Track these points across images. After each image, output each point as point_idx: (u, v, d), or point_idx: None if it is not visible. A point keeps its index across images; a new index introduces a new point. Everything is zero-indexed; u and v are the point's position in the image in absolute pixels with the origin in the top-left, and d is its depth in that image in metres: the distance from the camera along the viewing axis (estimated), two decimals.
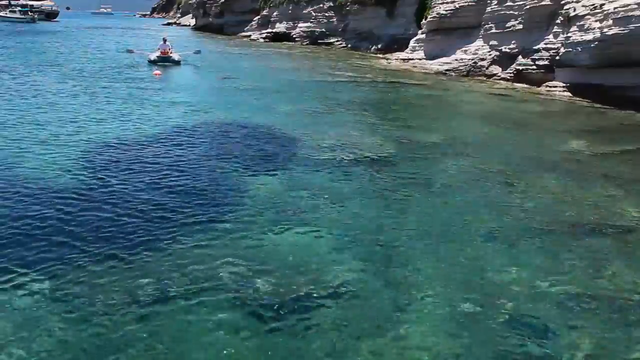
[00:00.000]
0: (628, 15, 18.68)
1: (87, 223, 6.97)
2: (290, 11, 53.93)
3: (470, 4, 29.28)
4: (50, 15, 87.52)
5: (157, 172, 9.26)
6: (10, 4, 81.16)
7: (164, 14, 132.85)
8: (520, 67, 24.82)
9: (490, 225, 7.61)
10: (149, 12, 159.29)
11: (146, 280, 5.62)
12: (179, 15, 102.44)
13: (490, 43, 27.59)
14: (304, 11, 51.98)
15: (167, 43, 29.03)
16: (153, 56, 28.41)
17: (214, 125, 13.46)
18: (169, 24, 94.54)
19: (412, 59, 32.74)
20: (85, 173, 9.03)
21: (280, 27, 54.95)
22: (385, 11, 41.98)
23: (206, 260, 6.14)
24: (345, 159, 10.69)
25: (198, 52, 31.80)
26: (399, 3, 40.34)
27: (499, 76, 26.49)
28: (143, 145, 11.02)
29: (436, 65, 30.00)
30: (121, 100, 16.16)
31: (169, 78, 22.44)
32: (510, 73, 25.63)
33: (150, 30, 65.56)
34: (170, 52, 28.45)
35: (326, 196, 8.44)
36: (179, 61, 28.21)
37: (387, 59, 35.75)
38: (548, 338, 5.05)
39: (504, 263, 6.46)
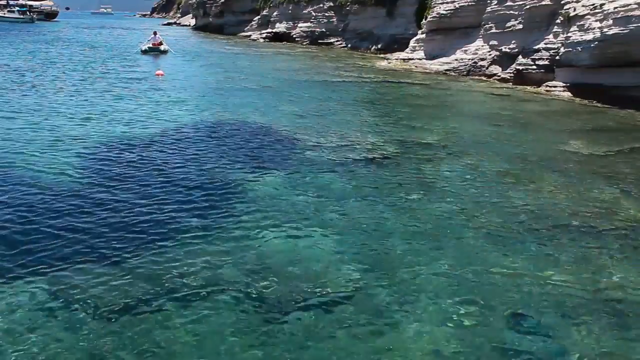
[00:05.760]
0: (628, 15, 18.69)
1: (86, 223, 6.96)
2: (290, 11, 53.96)
3: (470, 4, 29.29)
4: (49, 16, 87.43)
5: (157, 171, 9.27)
6: (8, 4, 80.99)
7: (164, 14, 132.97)
8: (520, 67, 24.82)
9: (490, 225, 7.61)
10: (149, 12, 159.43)
11: (146, 281, 5.62)
12: (179, 15, 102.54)
13: (490, 43, 27.59)
14: (304, 11, 52.01)
15: (157, 36, 33.36)
16: (144, 47, 32.51)
17: (214, 125, 13.46)
18: (169, 24, 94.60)
19: (412, 59, 32.74)
20: (84, 172, 9.03)
21: (280, 27, 54.98)
22: (385, 11, 42.02)
23: (206, 260, 6.13)
24: (345, 159, 10.69)
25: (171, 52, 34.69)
26: (399, 3, 40.38)
27: (499, 76, 26.49)
28: (143, 145, 11.02)
29: (436, 65, 30.01)
30: (122, 100, 16.17)
31: (170, 78, 22.45)
32: (510, 73, 25.63)
33: (150, 30, 65.42)
34: (160, 43, 32.59)
35: (326, 196, 8.45)
36: (166, 51, 32.37)
37: (387, 59, 35.74)
38: (548, 338, 5.05)
39: (503, 263, 6.47)
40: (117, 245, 6.39)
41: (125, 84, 19.68)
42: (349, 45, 46.27)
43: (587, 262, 6.61)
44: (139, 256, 6.16)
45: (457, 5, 29.96)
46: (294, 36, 52.59)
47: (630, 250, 7.05)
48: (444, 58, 30.04)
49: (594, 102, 20.15)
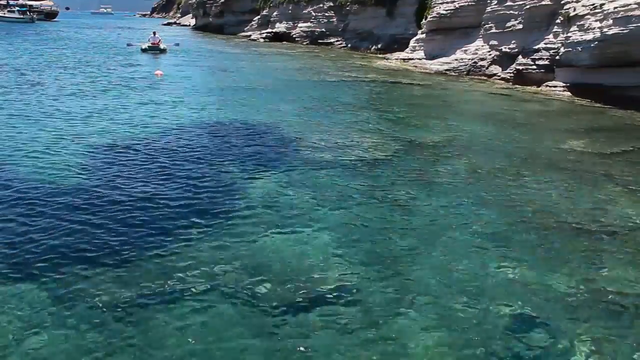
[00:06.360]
0: (628, 15, 18.68)
1: (86, 223, 6.96)
2: (290, 11, 53.94)
3: (470, 3, 29.30)
4: (49, 15, 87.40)
5: (157, 172, 9.27)
6: (8, 4, 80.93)
7: (164, 14, 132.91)
8: (520, 67, 24.82)
9: (490, 224, 7.61)
10: (149, 12, 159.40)
11: (146, 281, 5.62)
12: (179, 15, 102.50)
13: (490, 43, 27.59)
14: (304, 11, 51.99)
15: (156, 35, 35.37)
16: (144, 46, 34.65)
17: (214, 125, 13.46)
18: (169, 23, 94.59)
19: (412, 59, 32.75)
20: (84, 173, 9.02)
21: (280, 27, 54.95)
22: (385, 11, 42.00)
23: (205, 260, 6.14)
24: (345, 159, 10.69)
25: (177, 44, 38.42)
26: (399, 3, 40.37)
27: (499, 76, 26.48)
28: (142, 144, 11.02)
29: (436, 65, 30.01)
30: (122, 100, 16.17)
31: (169, 78, 22.45)
32: (510, 73, 25.63)
33: (150, 30, 65.50)
34: (159, 43, 34.71)
35: (326, 196, 8.45)
36: (165, 49, 34.54)
37: (387, 59, 35.75)
38: (547, 338, 5.05)
39: (503, 263, 6.46)
40: (117, 245, 6.39)
41: (125, 84, 19.68)
42: (349, 45, 46.25)
43: (586, 262, 6.60)
44: (139, 255, 6.16)
45: (457, 5, 29.96)
46: (294, 36, 52.57)
47: (630, 250, 7.04)
48: (444, 58, 30.03)
49: (594, 102, 20.14)
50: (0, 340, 4.61)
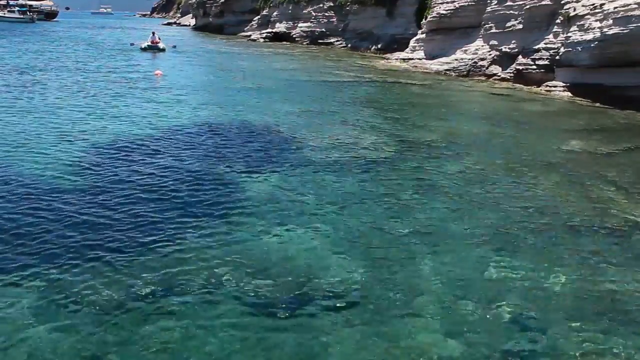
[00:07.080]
0: (628, 15, 18.69)
1: (86, 222, 6.96)
2: (290, 11, 53.97)
3: (470, 3, 29.31)
4: (49, 15, 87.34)
5: (157, 170, 9.26)
6: (8, 4, 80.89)
7: (164, 14, 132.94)
8: (520, 67, 24.82)
9: (490, 224, 7.61)
10: (149, 12, 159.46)
11: (146, 281, 5.62)
12: (179, 15, 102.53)
13: (490, 43, 27.60)
14: (304, 11, 52.01)
15: (155, 35, 36.94)
16: (144, 45, 36.13)
17: (214, 125, 13.46)
18: (169, 23, 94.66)
19: (412, 59, 32.75)
20: (85, 172, 9.02)
21: (280, 27, 54.97)
22: (385, 11, 42.02)
23: (206, 260, 6.13)
24: (345, 159, 10.69)
25: (174, 47, 39.05)
26: (399, 3, 40.39)
27: (499, 76, 26.49)
28: (143, 145, 11.02)
29: (436, 65, 30.01)
30: (122, 100, 16.16)
31: (169, 78, 22.46)
32: (510, 73, 25.64)
33: (149, 30, 65.50)
34: (158, 42, 36.16)
35: (326, 196, 8.45)
36: (164, 49, 35.78)
37: (387, 59, 35.75)
38: (547, 338, 5.05)
39: (503, 262, 6.46)
40: (117, 243, 6.39)
41: (125, 83, 19.68)
42: (349, 45, 46.27)
43: (586, 262, 6.60)
44: (138, 255, 6.15)
45: (457, 5, 29.97)
46: (294, 36, 52.58)
47: (629, 249, 7.04)
48: (444, 58, 30.04)
49: (594, 102, 20.15)
50: None
